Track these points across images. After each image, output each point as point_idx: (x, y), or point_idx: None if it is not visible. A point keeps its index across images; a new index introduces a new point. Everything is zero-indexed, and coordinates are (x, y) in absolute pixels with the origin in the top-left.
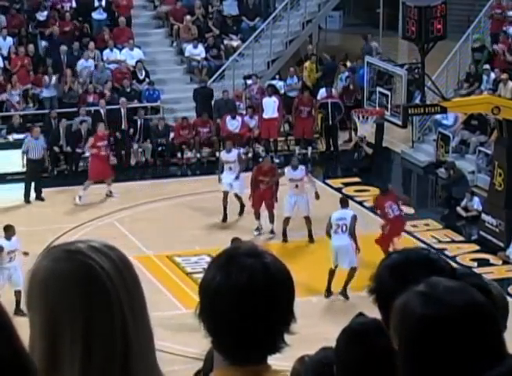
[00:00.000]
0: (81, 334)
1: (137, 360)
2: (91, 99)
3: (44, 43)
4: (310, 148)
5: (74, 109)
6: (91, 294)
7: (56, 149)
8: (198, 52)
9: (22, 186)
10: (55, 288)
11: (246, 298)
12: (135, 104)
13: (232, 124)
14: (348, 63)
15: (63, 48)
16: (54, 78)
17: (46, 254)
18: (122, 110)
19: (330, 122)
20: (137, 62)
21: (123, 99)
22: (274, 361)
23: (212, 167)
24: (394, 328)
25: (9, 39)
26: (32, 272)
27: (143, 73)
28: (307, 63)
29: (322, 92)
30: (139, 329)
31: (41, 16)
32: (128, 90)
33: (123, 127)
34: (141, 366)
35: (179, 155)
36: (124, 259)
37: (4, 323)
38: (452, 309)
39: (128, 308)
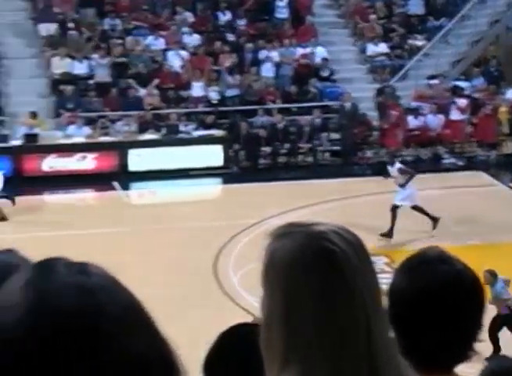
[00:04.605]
0: (318, 328)
1: (383, 362)
2: (271, 97)
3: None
4: (494, 151)
5: (255, 107)
6: (333, 284)
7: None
8: (380, 49)
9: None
10: (296, 274)
11: (435, 305)
12: (316, 103)
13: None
14: None
15: (249, 45)
16: (237, 77)
17: (283, 233)
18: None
19: None
20: (322, 59)
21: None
22: None
23: None
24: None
25: (196, 36)
26: (270, 251)
27: (326, 71)
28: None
29: None
30: (381, 325)
31: (224, 16)
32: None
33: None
34: (389, 367)
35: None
36: (361, 244)
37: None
38: None
39: (370, 300)
